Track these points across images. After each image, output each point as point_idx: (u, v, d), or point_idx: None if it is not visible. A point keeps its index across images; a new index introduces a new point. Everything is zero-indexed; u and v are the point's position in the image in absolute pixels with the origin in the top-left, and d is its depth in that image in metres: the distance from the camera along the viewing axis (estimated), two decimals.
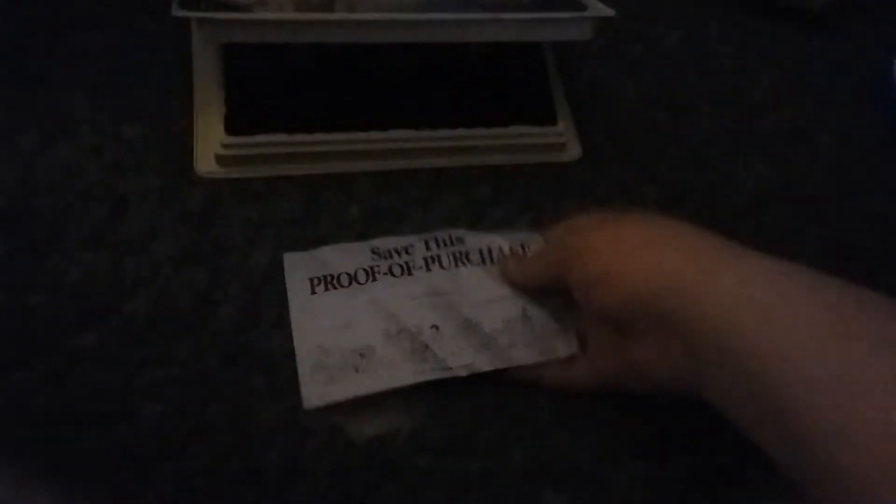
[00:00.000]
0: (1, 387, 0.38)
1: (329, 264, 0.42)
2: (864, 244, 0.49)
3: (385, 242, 0.43)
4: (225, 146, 0.45)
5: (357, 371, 0.39)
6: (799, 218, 0.50)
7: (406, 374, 0.39)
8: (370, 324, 0.40)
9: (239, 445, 0.38)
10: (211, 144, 0.46)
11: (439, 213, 0.47)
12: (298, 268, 0.42)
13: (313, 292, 0.41)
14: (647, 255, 0.35)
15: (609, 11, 0.43)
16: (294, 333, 0.40)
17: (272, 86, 0.47)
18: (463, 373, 0.40)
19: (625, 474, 0.40)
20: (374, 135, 0.47)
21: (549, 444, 0.40)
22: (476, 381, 0.40)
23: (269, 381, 0.40)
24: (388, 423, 0.40)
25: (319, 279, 0.42)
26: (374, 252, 0.43)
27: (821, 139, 0.54)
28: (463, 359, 0.40)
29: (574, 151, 0.50)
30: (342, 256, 0.43)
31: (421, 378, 0.39)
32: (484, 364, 0.40)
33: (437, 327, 0.40)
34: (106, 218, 0.43)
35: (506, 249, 0.43)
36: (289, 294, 0.41)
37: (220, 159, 0.46)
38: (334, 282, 0.41)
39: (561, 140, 0.49)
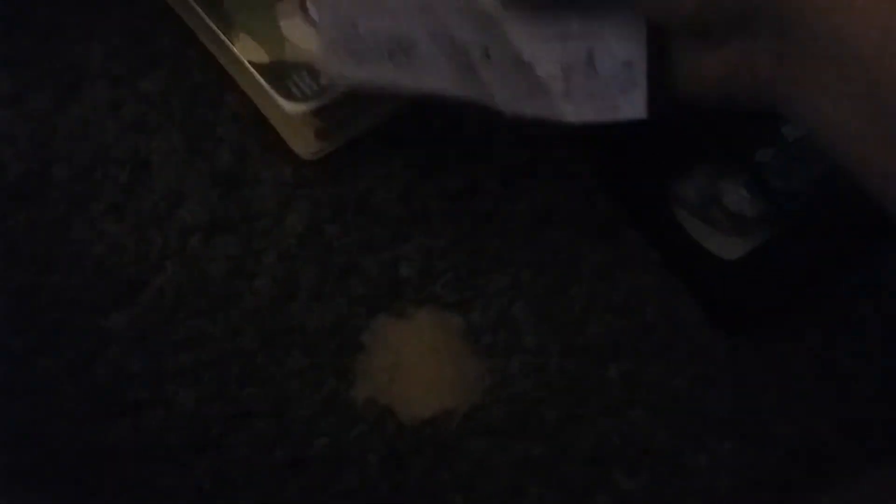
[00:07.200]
0: (25, 376, 0.35)
1: None
2: None
3: None
4: None
5: (392, 61, 0.33)
6: None
7: (448, 82, 0.33)
8: (415, 17, 0.33)
9: (280, 433, 0.35)
10: None
11: None
12: None
13: None
14: None
15: None
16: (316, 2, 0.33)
17: None
18: (506, 108, 0.33)
19: (707, 455, 0.36)
20: None
21: (621, 422, 0.36)
22: (539, 349, 0.36)
23: (310, 362, 0.36)
24: (440, 402, 0.36)
25: None
26: None
27: None
28: (508, 94, 0.33)
29: None
30: None
31: (463, 93, 0.33)
32: (529, 109, 0.33)
33: (487, 53, 0.33)
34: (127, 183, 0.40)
35: None
36: None
37: None
38: None
39: None
